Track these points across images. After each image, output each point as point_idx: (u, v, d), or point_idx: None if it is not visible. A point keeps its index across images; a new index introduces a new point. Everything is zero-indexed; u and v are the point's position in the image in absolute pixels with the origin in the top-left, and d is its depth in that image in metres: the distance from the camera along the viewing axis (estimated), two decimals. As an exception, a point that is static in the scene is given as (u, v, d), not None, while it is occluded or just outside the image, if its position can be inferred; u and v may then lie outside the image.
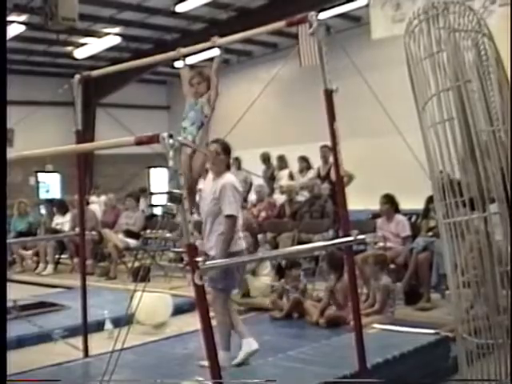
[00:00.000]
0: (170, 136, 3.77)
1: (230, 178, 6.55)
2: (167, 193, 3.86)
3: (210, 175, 6.67)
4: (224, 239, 6.29)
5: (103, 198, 16.40)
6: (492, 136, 3.92)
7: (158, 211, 19.18)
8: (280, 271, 9.87)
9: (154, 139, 3.86)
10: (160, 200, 20.78)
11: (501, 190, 3.83)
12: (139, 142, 3.98)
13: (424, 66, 4.03)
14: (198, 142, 5.94)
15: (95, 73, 7.16)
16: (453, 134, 3.94)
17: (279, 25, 5.66)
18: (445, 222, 4.05)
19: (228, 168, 6.65)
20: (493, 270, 3.87)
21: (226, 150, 6.56)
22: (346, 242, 5.26)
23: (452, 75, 3.90)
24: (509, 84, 4.10)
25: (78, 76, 6.92)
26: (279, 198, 13.38)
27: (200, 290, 3.90)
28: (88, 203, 16.11)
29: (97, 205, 16.09)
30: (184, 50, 6.30)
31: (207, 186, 6.63)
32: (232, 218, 6.32)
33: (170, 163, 3.83)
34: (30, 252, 14.51)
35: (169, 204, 3.89)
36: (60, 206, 15.02)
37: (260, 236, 11.90)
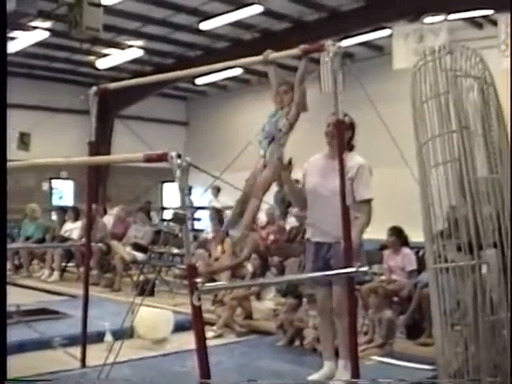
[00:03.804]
0: (178, 156, 3.80)
1: (363, 159, 6.10)
2: (173, 213, 3.89)
3: (321, 154, 6.43)
4: (363, 223, 5.93)
5: (115, 210, 16.42)
6: (490, 183, 3.94)
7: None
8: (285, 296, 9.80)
9: (162, 157, 3.89)
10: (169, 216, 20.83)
11: (489, 237, 3.83)
12: (148, 160, 4.01)
13: (429, 106, 4.06)
14: (268, 157, 5.64)
15: (113, 85, 7.20)
16: (446, 176, 3.96)
17: (294, 52, 5.70)
18: (433, 267, 4.05)
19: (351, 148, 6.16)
20: (483, 317, 3.86)
21: (353, 125, 6.15)
22: (348, 273, 5.25)
23: (454, 119, 3.92)
24: (508, 136, 4.11)
25: (94, 88, 6.96)
26: (291, 222, 13.33)
27: (197, 311, 3.90)
28: (106, 212, 16.19)
29: (110, 216, 16.11)
30: (273, 55, 6.02)
31: (319, 164, 6.33)
32: (370, 202, 6.00)
33: (178, 182, 3.85)
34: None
35: (171, 224, 3.92)
36: (73, 212, 15.07)
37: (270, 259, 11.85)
